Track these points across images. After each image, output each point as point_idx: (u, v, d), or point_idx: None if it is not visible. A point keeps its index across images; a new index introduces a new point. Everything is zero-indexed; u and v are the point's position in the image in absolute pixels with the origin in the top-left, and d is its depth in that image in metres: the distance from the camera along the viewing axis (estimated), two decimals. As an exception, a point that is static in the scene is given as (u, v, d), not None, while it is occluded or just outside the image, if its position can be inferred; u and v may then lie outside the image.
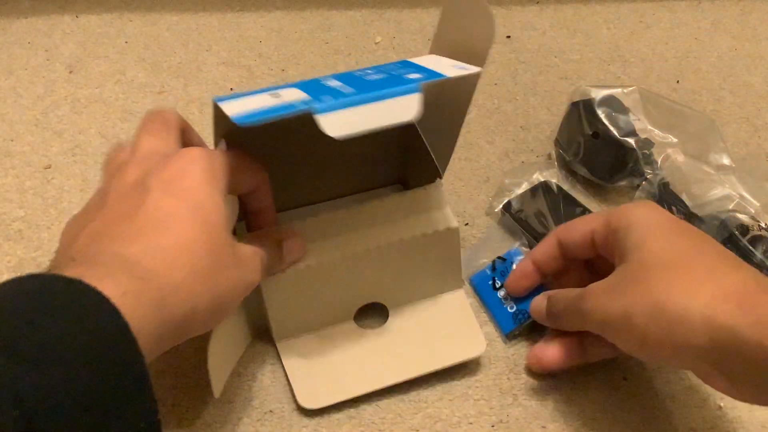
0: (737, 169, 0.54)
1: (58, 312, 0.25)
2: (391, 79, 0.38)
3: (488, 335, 0.46)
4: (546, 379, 0.44)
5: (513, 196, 0.53)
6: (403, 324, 0.45)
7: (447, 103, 0.41)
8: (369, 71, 0.41)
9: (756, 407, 0.43)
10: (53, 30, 0.68)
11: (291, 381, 0.42)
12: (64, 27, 0.69)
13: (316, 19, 0.72)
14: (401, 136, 0.44)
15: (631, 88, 0.55)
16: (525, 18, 0.73)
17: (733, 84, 0.66)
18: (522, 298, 0.47)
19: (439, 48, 0.44)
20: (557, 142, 0.56)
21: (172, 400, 0.42)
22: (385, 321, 0.45)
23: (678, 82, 0.66)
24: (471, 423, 0.42)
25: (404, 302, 0.46)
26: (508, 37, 0.70)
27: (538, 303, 0.44)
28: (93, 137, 0.58)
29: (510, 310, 0.46)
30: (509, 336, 0.46)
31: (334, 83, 0.39)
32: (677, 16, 0.74)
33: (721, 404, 0.43)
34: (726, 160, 0.54)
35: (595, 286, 0.38)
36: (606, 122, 0.53)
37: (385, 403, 0.43)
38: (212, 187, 0.33)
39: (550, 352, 0.43)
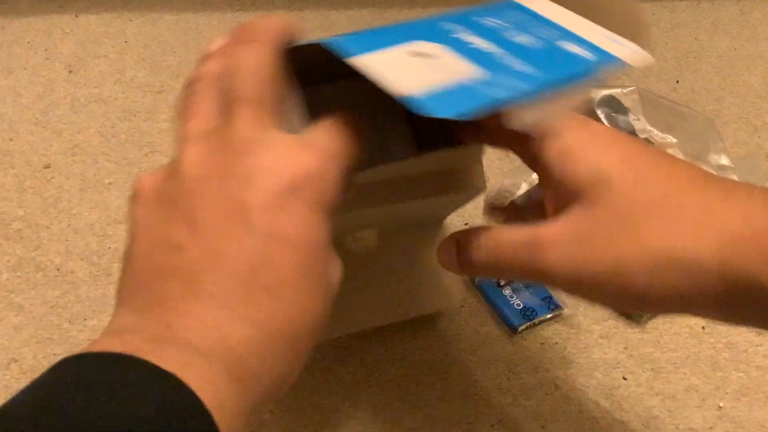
0: (737, 168, 0.54)
1: (146, 417, 0.21)
2: (552, 52, 0.33)
3: (488, 334, 0.46)
4: (546, 379, 0.44)
5: (515, 196, 0.53)
6: (391, 255, 0.43)
7: None
8: (501, 22, 0.35)
9: (755, 407, 0.43)
10: (53, 29, 0.68)
11: None
12: (64, 26, 0.69)
13: (316, 19, 0.72)
14: None
15: (630, 88, 0.55)
16: (525, 18, 0.72)
17: (733, 84, 0.66)
18: (529, 296, 0.47)
19: None
20: (557, 142, 0.56)
21: (171, 399, 0.42)
22: (373, 242, 0.44)
23: (678, 82, 0.66)
24: (471, 423, 0.42)
25: (396, 228, 0.43)
26: (508, 37, 0.70)
27: (444, 250, 0.34)
28: (92, 137, 0.58)
29: (517, 308, 0.47)
30: (517, 331, 0.46)
31: (480, 43, 0.32)
32: (677, 16, 0.74)
33: (721, 404, 0.43)
34: (725, 160, 0.55)
35: (554, 234, 0.30)
36: (605, 122, 0.53)
37: (384, 403, 0.43)
38: (321, 219, 0.26)
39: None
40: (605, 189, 0.29)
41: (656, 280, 0.28)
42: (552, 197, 0.31)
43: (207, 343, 0.24)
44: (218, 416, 0.22)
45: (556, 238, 0.30)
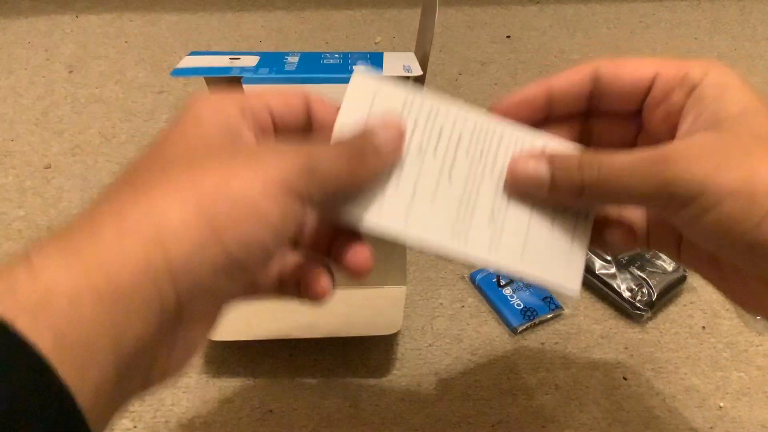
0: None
1: None
2: (339, 67, 0.41)
3: (488, 334, 0.46)
4: (546, 379, 0.44)
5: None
6: (336, 298, 0.44)
7: None
8: (336, 55, 0.43)
9: (756, 407, 0.43)
10: (53, 30, 0.68)
11: None
12: (64, 27, 0.69)
13: (316, 19, 0.72)
14: None
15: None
16: (525, 18, 0.73)
17: (733, 84, 0.66)
18: (529, 296, 0.47)
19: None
20: (557, 142, 0.56)
21: (171, 399, 0.42)
22: None
23: (678, 82, 0.66)
24: (471, 423, 0.42)
25: (343, 282, 0.45)
26: (508, 37, 0.70)
27: (527, 167, 0.30)
28: (93, 137, 0.58)
29: (518, 307, 0.47)
30: (517, 331, 0.46)
31: (291, 59, 0.41)
32: (677, 16, 0.74)
33: (721, 404, 0.43)
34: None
35: (683, 148, 0.28)
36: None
37: (385, 403, 0.43)
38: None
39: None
40: (751, 117, 0.28)
41: None
42: (691, 124, 0.30)
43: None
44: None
45: (685, 152, 0.28)
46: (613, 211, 0.33)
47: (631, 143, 0.32)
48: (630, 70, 0.32)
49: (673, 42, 0.71)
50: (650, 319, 0.47)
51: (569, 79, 0.33)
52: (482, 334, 0.46)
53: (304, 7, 0.73)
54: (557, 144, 0.31)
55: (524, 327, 0.46)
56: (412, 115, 0.30)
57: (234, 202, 0.23)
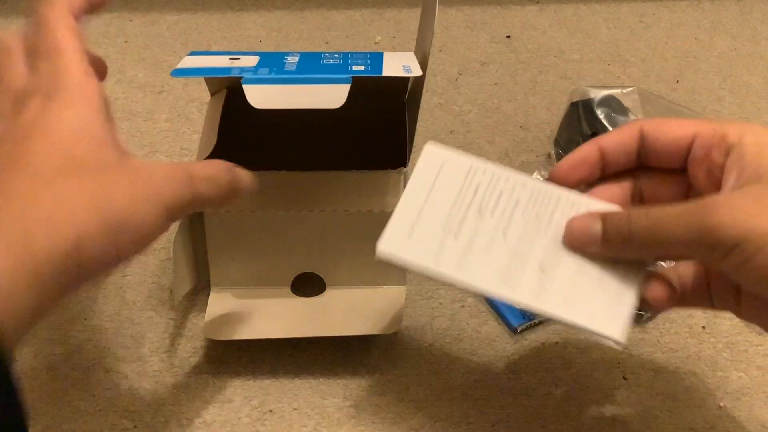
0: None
1: None
2: (339, 67, 0.41)
3: (488, 334, 0.46)
4: (546, 379, 0.44)
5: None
6: (336, 298, 0.46)
7: (393, 96, 0.46)
8: (336, 56, 0.44)
9: (756, 407, 0.43)
10: (53, 30, 0.68)
11: (206, 314, 0.44)
12: (64, 27, 0.69)
13: (316, 19, 0.72)
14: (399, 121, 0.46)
15: (630, 89, 0.55)
16: (525, 18, 0.72)
17: (733, 84, 0.66)
18: None
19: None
20: (557, 142, 0.56)
21: (171, 399, 0.42)
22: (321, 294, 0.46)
23: (678, 82, 0.66)
24: (471, 423, 0.42)
25: (343, 282, 0.46)
26: (508, 36, 0.70)
27: (583, 224, 0.33)
28: (93, 137, 0.58)
29: (518, 307, 0.46)
30: (517, 331, 0.46)
31: (291, 59, 0.42)
32: (677, 16, 0.74)
33: (721, 404, 0.43)
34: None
35: (727, 198, 0.30)
36: (605, 123, 0.53)
37: (384, 403, 0.43)
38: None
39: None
40: None
41: None
42: (735, 180, 0.32)
43: None
44: None
45: (729, 201, 0.30)
46: (665, 270, 0.35)
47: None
48: (671, 129, 0.35)
49: (673, 42, 0.71)
50: (650, 319, 0.47)
51: (618, 136, 0.36)
52: (482, 334, 0.46)
53: (304, 7, 0.73)
54: (611, 207, 0.34)
55: (524, 327, 0.46)
56: (475, 180, 0.34)
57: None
